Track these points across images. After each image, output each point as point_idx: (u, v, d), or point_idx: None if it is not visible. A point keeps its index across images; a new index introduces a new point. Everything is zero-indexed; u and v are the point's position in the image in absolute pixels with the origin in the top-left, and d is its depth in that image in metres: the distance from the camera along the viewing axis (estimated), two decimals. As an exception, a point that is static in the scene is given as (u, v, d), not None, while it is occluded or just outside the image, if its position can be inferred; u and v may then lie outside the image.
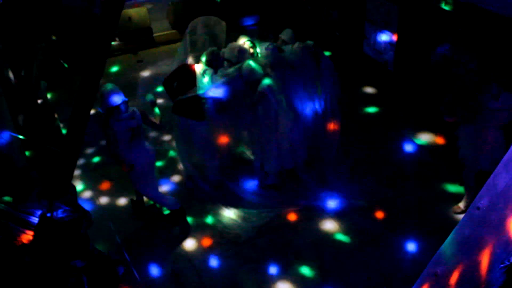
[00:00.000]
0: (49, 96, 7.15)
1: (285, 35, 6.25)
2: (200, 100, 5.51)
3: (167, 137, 6.97)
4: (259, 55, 6.06)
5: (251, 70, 5.43)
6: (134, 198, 5.77)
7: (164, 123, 5.92)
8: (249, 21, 10.17)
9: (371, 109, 7.42)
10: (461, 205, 5.49)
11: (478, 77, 5.01)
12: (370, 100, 7.66)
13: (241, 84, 5.51)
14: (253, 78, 5.44)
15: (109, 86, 4.98)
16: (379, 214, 5.57)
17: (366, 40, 8.20)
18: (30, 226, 3.92)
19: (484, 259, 2.35)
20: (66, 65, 7.80)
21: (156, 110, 5.35)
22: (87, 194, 6.10)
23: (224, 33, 7.34)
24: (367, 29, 8.11)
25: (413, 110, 7.25)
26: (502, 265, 2.28)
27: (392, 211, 5.61)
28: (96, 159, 6.70)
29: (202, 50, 7.28)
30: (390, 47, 7.72)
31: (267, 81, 5.41)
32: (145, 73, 8.29)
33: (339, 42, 8.92)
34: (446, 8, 6.15)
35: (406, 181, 6.03)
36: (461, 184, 5.64)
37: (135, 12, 9.33)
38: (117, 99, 4.90)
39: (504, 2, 5.21)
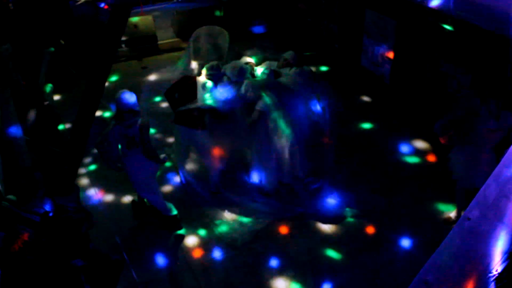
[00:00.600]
0: (55, 98, 7.26)
1: (288, 56, 6.40)
2: (201, 111, 5.66)
3: (171, 139, 7.08)
4: (257, 77, 6.21)
5: (248, 89, 5.63)
6: (135, 199, 5.87)
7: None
8: (255, 29, 10.32)
9: (367, 122, 7.54)
10: (452, 215, 5.59)
11: (473, 93, 5.10)
12: (367, 111, 7.78)
13: (239, 102, 5.69)
14: (250, 97, 5.61)
15: (126, 91, 5.10)
16: (374, 223, 5.67)
17: (364, 53, 8.36)
18: (34, 226, 4.00)
19: (474, 269, 2.44)
20: (74, 71, 7.94)
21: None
22: (88, 193, 6.22)
23: (226, 43, 7.47)
24: (365, 42, 8.27)
25: (408, 121, 7.39)
26: (491, 275, 2.37)
27: (386, 219, 5.71)
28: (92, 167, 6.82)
29: (205, 58, 7.42)
30: (386, 60, 7.87)
31: (265, 99, 5.58)
32: (149, 79, 8.42)
33: (338, 54, 9.08)
34: (449, 28, 6.27)
35: (400, 191, 6.14)
36: (452, 200, 5.73)
37: (141, 20, 9.50)
38: (125, 105, 4.99)
39: (497, 20, 5.34)
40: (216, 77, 5.82)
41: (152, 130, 7.00)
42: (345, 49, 8.94)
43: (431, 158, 6.69)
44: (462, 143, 5.07)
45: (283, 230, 5.65)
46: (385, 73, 8.00)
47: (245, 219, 5.76)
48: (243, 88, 5.69)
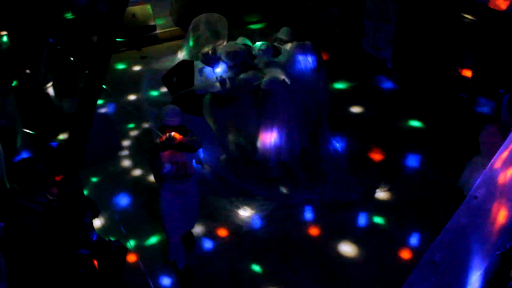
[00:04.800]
0: (54, 90, 7.24)
1: (282, 33, 6.32)
2: (198, 95, 5.62)
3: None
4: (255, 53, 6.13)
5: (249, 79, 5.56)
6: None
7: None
8: (252, 19, 10.23)
9: (368, 105, 7.51)
10: None
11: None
12: (368, 96, 7.74)
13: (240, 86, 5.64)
14: (252, 79, 5.57)
15: (170, 106, 4.73)
16: (378, 207, 5.67)
17: (366, 37, 8.28)
18: (38, 216, 4.00)
19: (481, 247, 2.42)
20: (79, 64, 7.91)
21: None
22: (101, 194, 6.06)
23: (226, 29, 7.41)
24: (366, 26, 8.18)
25: (411, 105, 7.34)
26: (498, 252, 2.35)
27: (391, 204, 5.72)
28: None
29: (205, 45, 7.36)
30: (388, 44, 7.80)
31: (267, 77, 5.51)
32: (149, 69, 8.37)
33: (339, 39, 9.00)
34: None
35: (404, 174, 6.13)
36: None
37: (140, 9, 9.42)
38: (171, 120, 4.55)
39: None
40: (212, 61, 5.77)
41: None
42: (347, 34, 8.85)
43: (436, 141, 6.67)
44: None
45: (288, 217, 5.64)
46: (387, 57, 7.93)
47: (249, 206, 5.75)
48: (244, 75, 5.60)
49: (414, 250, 5.13)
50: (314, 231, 5.46)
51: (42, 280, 3.87)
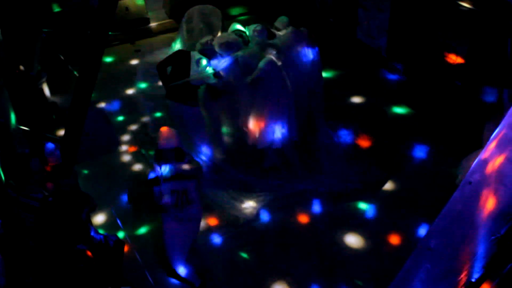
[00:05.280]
0: (48, 85, 7.19)
1: (279, 22, 6.28)
2: (193, 86, 5.60)
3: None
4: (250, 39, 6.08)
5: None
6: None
7: None
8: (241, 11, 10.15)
9: (364, 95, 7.49)
10: None
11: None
12: (363, 85, 7.71)
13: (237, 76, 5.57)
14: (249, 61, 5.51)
15: (165, 128, 4.59)
16: (375, 196, 5.69)
17: (360, 26, 8.23)
18: (33, 211, 4.00)
19: (476, 232, 2.43)
20: (62, 57, 7.85)
21: None
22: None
23: (220, 21, 7.37)
24: (360, 15, 8.14)
25: (405, 95, 7.34)
26: (494, 237, 2.37)
27: (388, 193, 5.73)
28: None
29: (199, 38, 7.29)
30: (383, 32, 7.77)
31: (267, 58, 5.45)
32: (143, 62, 8.33)
33: (333, 28, 8.96)
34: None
35: (402, 164, 6.14)
36: None
37: (132, 2, 9.35)
38: (166, 143, 4.40)
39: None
40: (209, 52, 5.73)
41: (158, 114, 6.94)
42: (340, 23, 8.81)
43: (433, 127, 6.68)
44: None
45: (285, 207, 5.64)
46: (382, 46, 7.90)
47: (246, 197, 5.74)
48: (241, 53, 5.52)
49: (412, 239, 5.14)
50: (311, 221, 5.46)
51: (39, 276, 3.87)
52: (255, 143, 5.91)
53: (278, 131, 5.80)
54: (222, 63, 5.57)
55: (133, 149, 6.66)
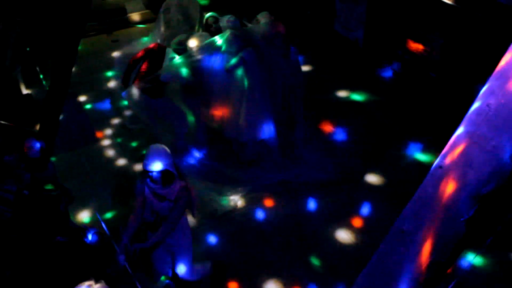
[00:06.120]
0: (23, 77, 7.06)
1: (261, 15, 6.24)
2: (161, 82, 5.60)
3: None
4: (222, 26, 6.03)
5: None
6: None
7: None
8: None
9: (343, 88, 7.55)
10: None
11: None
12: (342, 79, 7.78)
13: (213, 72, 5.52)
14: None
15: (153, 146, 3.90)
16: (353, 186, 5.74)
17: (337, 18, 8.31)
18: (7, 204, 3.95)
19: (445, 215, 2.52)
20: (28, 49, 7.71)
21: None
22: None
23: (198, 12, 7.35)
24: (337, 7, 8.21)
25: (382, 88, 7.44)
26: (462, 218, 2.46)
27: (366, 182, 5.80)
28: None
29: (176, 29, 7.26)
30: (360, 24, 7.86)
31: (247, 48, 5.43)
32: (120, 52, 8.24)
33: (310, 20, 9.02)
34: None
35: (383, 155, 6.18)
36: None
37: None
38: (152, 165, 3.77)
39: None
40: (183, 52, 5.63)
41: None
42: (318, 15, 8.87)
43: (406, 114, 6.81)
44: None
45: (264, 198, 5.67)
46: (359, 38, 8.00)
47: (224, 189, 5.71)
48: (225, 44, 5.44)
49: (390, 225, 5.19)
50: (292, 212, 5.47)
51: (17, 268, 3.84)
52: (234, 135, 5.91)
53: (259, 123, 5.83)
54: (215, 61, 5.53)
55: (100, 135, 6.65)
